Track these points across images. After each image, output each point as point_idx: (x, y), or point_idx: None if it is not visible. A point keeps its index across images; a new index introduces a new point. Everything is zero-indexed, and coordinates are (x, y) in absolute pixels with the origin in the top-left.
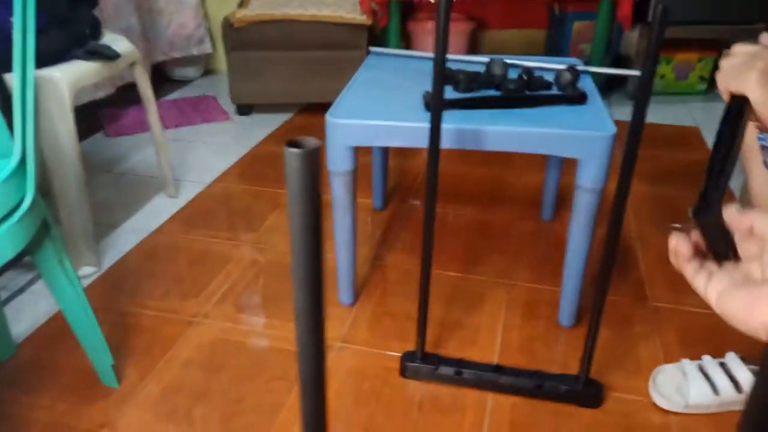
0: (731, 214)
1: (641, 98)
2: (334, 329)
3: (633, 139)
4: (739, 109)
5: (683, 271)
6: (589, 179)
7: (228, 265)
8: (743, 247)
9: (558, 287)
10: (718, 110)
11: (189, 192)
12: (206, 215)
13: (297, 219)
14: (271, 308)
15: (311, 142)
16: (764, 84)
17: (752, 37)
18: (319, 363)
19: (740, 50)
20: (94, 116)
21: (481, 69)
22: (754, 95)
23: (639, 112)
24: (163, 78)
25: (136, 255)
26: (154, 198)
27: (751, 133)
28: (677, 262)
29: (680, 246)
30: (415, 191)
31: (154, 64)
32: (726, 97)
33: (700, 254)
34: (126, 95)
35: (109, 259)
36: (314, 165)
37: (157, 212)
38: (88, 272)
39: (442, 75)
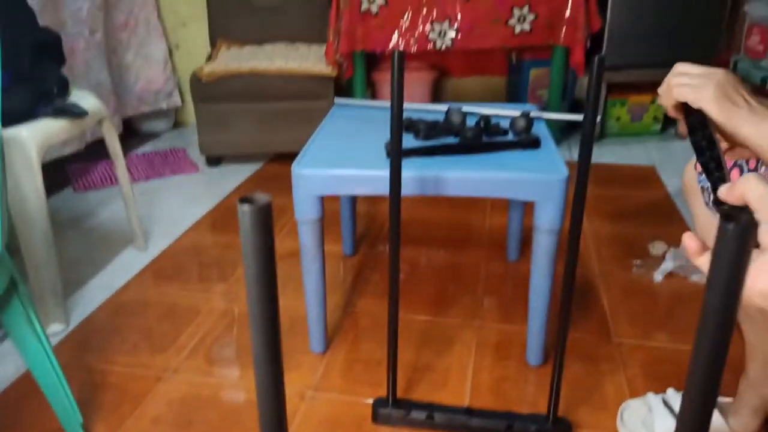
0: (722, 192)
1: (585, 142)
2: (305, 378)
3: (581, 180)
4: (701, 120)
5: (697, 266)
6: (546, 220)
7: (198, 317)
8: None
9: (525, 326)
10: (672, 149)
11: (159, 245)
12: (176, 267)
13: (252, 270)
14: (243, 360)
15: (262, 198)
16: (721, 99)
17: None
18: (280, 412)
19: (688, 69)
20: (62, 171)
21: (441, 117)
22: (713, 109)
23: (585, 155)
24: (132, 131)
25: (105, 311)
26: (124, 252)
27: (691, 175)
28: (690, 258)
29: (689, 243)
30: (384, 236)
31: (123, 119)
32: (671, 111)
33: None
34: (94, 149)
35: (78, 316)
36: (265, 219)
37: (126, 267)
38: (57, 330)
39: (400, 125)
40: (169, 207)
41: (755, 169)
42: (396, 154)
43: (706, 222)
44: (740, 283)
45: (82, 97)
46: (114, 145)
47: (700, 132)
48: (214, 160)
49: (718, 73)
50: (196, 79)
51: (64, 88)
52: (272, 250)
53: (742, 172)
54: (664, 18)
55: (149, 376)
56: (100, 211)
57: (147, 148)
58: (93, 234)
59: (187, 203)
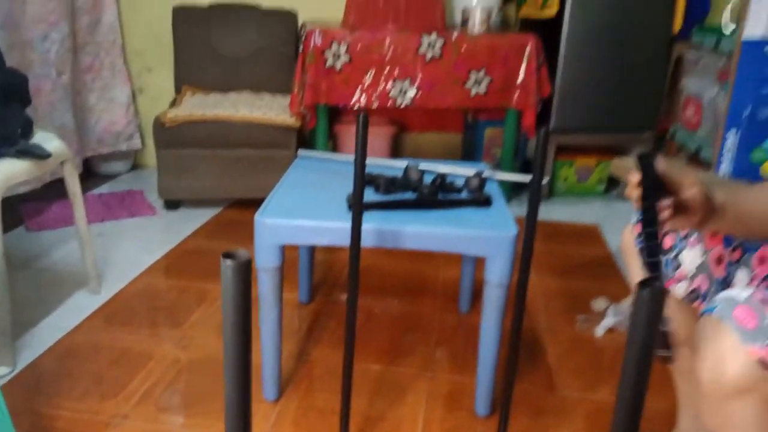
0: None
1: (532, 205)
2: (258, 426)
3: (528, 237)
4: (654, 196)
5: None
6: (496, 275)
7: (150, 362)
8: None
9: (475, 377)
10: (615, 210)
11: (112, 288)
12: (129, 312)
13: (230, 319)
14: (195, 407)
15: (243, 254)
16: None
17: (643, 144)
18: None
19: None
20: (14, 210)
21: (400, 173)
22: None
23: (531, 218)
24: (89, 172)
25: (54, 354)
26: (76, 294)
27: (629, 237)
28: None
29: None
30: (341, 285)
31: (82, 159)
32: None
33: None
34: (49, 189)
35: (26, 358)
36: (245, 273)
37: (78, 309)
38: (3, 372)
39: (363, 183)
40: (124, 250)
41: (687, 237)
42: (357, 210)
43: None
44: (654, 339)
45: (46, 139)
46: (74, 187)
47: (650, 204)
48: (172, 204)
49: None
50: (159, 124)
51: (27, 129)
52: (249, 301)
53: (675, 238)
54: (609, 87)
55: (98, 422)
56: (54, 252)
57: (103, 189)
58: (45, 275)
59: (143, 246)
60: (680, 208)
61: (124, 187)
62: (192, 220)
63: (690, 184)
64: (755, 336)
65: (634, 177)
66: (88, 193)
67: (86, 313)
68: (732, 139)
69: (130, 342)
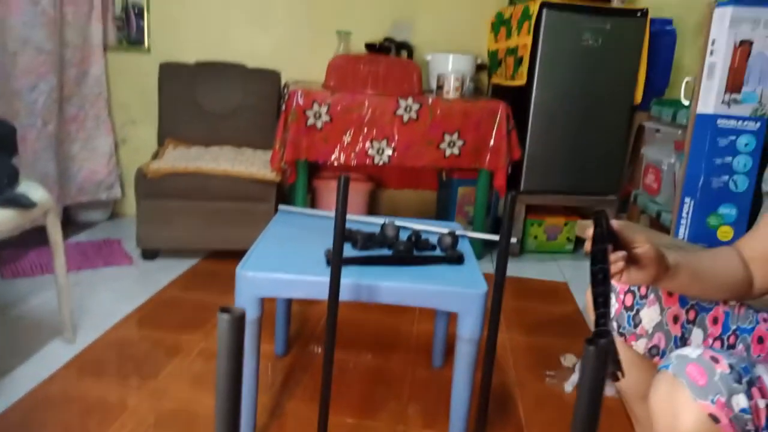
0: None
1: (500, 266)
2: None
3: (497, 295)
4: (603, 254)
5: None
6: (467, 330)
7: (123, 414)
8: None
9: None
10: (583, 268)
11: (87, 337)
12: (103, 362)
13: (223, 369)
14: None
15: (238, 310)
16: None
17: (608, 206)
18: None
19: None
20: None
21: (377, 229)
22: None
23: (500, 276)
24: (68, 220)
25: (27, 403)
26: (51, 343)
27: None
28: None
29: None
30: (317, 337)
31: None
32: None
33: None
34: (26, 235)
35: None
36: (239, 327)
37: (52, 358)
38: None
39: (342, 240)
40: (101, 299)
41: (645, 296)
42: (336, 265)
43: None
44: (601, 391)
45: (31, 188)
46: (55, 236)
47: (600, 265)
48: (150, 254)
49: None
50: (141, 175)
51: (13, 178)
52: (242, 353)
53: (634, 297)
54: (575, 152)
55: None
56: (30, 300)
57: (82, 237)
58: (20, 323)
59: (119, 296)
60: (633, 263)
61: (102, 235)
62: (169, 270)
63: (641, 241)
64: (706, 392)
65: (590, 231)
66: (66, 241)
67: (61, 363)
68: (689, 206)
69: (104, 393)
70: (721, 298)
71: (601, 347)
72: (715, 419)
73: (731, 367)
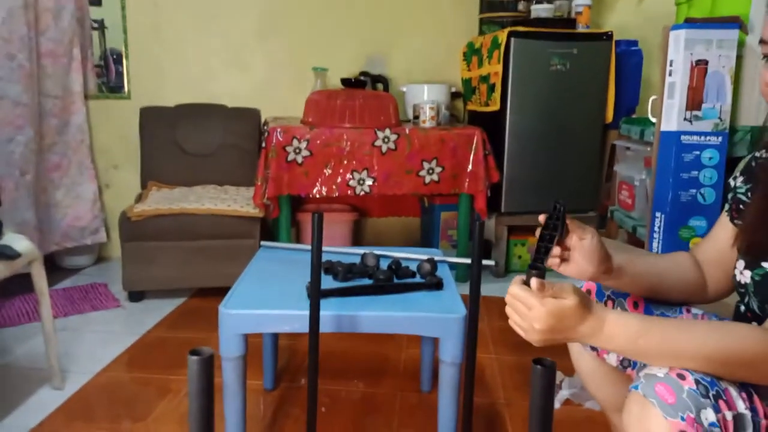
0: (533, 283)
1: (473, 289)
2: None
3: (472, 318)
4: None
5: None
6: (449, 354)
7: None
8: None
9: None
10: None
11: (75, 383)
12: (92, 407)
13: (195, 406)
14: None
15: (207, 350)
16: (547, 343)
17: (588, 223)
18: None
19: (518, 300)
20: None
21: (357, 260)
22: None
23: (474, 295)
24: (53, 266)
25: None
26: (38, 391)
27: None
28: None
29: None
30: (305, 370)
31: (45, 255)
32: None
33: None
34: (12, 284)
35: None
36: (208, 367)
37: (41, 406)
38: None
39: (319, 274)
40: (88, 344)
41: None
42: (315, 300)
43: (575, 352)
44: (550, 405)
45: (14, 239)
46: (41, 285)
47: (545, 243)
48: (136, 296)
49: (540, 319)
50: (125, 218)
51: None
52: (212, 392)
53: (614, 304)
54: (553, 172)
55: None
56: (16, 348)
57: (67, 283)
58: (7, 372)
59: (107, 339)
60: (579, 255)
61: (88, 280)
62: (156, 311)
63: (591, 234)
64: (675, 410)
65: (543, 216)
66: (52, 288)
67: (49, 410)
68: (660, 220)
69: None
70: (675, 298)
71: (549, 366)
72: None
73: (697, 382)
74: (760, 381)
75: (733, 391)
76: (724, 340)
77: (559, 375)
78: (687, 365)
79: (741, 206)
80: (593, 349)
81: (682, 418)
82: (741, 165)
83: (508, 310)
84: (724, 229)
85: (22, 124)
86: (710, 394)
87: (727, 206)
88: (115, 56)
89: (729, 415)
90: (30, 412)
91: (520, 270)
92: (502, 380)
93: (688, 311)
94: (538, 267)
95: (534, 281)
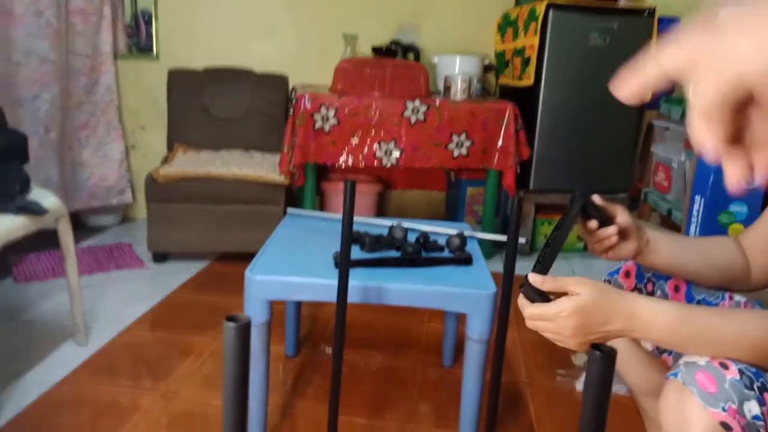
0: (532, 277)
1: (508, 264)
2: None
3: (505, 296)
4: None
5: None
6: (476, 331)
7: (135, 416)
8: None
9: (458, 431)
10: (594, 265)
11: (99, 340)
12: (116, 364)
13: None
14: None
15: (243, 317)
16: (585, 345)
17: (621, 202)
18: None
19: (538, 317)
20: (2, 260)
21: (385, 231)
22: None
23: (508, 276)
24: (78, 225)
25: (39, 407)
26: (62, 346)
27: None
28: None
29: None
30: (327, 338)
31: (69, 212)
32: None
33: None
34: (39, 240)
35: (10, 411)
36: (246, 335)
37: (64, 361)
38: None
39: (350, 243)
40: (112, 302)
41: (652, 292)
42: (344, 269)
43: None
44: (607, 395)
45: (42, 195)
46: (67, 242)
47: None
48: (160, 257)
49: (567, 327)
50: (151, 180)
51: (25, 186)
52: (247, 360)
53: (641, 293)
54: (584, 151)
55: None
56: (41, 304)
57: (92, 241)
58: (32, 326)
59: (131, 299)
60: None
61: (113, 239)
62: (180, 273)
63: (621, 211)
64: (717, 400)
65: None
66: (77, 245)
67: (72, 366)
68: (699, 204)
69: (116, 394)
70: (715, 282)
71: (609, 353)
72: (726, 427)
73: (741, 372)
74: None
75: None
76: None
77: (583, 356)
78: (730, 354)
79: None
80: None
81: (723, 409)
82: None
83: (534, 327)
84: None
85: (49, 81)
86: (755, 386)
87: None
88: (146, 17)
89: None
90: (53, 367)
91: None
92: (524, 358)
93: (731, 298)
94: (533, 277)
95: (532, 277)
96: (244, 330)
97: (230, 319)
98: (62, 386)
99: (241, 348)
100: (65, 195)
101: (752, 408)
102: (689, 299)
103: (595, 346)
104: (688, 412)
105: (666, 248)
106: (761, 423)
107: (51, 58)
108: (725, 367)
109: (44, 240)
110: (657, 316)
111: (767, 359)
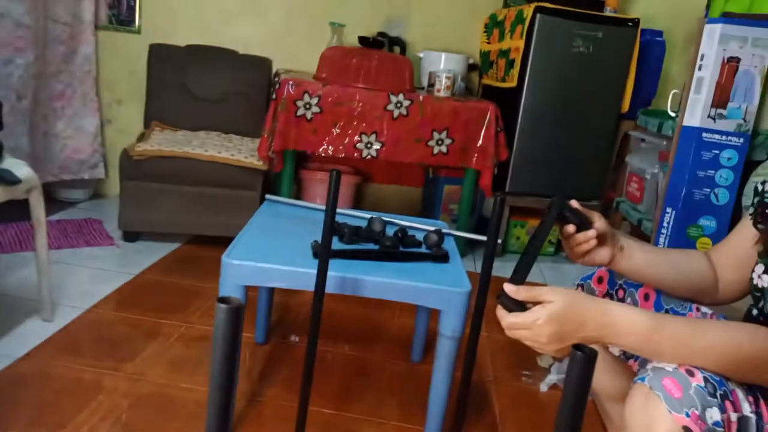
0: (507, 287)
1: (486, 267)
2: None
3: (481, 295)
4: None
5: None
6: (449, 328)
7: (99, 395)
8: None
9: (423, 427)
10: (563, 270)
11: (65, 317)
12: (81, 342)
13: (218, 359)
14: None
15: (235, 300)
16: (563, 351)
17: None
18: None
19: (516, 326)
20: None
21: (364, 223)
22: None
23: (485, 274)
24: (47, 197)
25: (1, 381)
26: (27, 321)
27: None
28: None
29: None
30: (297, 327)
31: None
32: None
33: None
34: (7, 211)
35: None
36: (237, 317)
37: (29, 336)
38: None
39: (331, 232)
40: (80, 279)
41: (622, 299)
42: (324, 258)
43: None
44: (584, 395)
45: (15, 165)
46: (39, 214)
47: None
48: (131, 236)
49: (543, 334)
50: (126, 157)
51: None
52: (238, 343)
53: (612, 299)
54: (561, 156)
55: None
56: (7, 276)
57: (62, 215)
58: None
59: (99, 276)
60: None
61: (83, 215)
62: (150, 254)
63: (598, 217)
64: (681, 405)
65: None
66: (47, 218)
67: (37, 341)
68: (670, 216)
69: (80, 372)
70: (684, 293)
71: (589, 354)
72: (688, 431)
73: (706, 380)
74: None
75: (740, 393)
76: (736, 338)
77: (549, 358)
78: (698, 362)
79: (767, 211)
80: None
81: (687, 414)
82: None
83: (513, 336)
84: (745, 234)
85: (23, 46)
86: (717, 394)
87: (752, 210)
88: None
89: (734, 417)
90: (18, 341)
91: (518, 251)
92: (492, 358)
93: (698, 309)
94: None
95: (507, 287)
96: (236, 312)
97: (222, 300)
98: (26, 361)
99: (233, 330)
100: (36, 165)
101: (713, 415)
102: (658, 308)
103: (577, 347)
104: (654, 415)
105: (639, 256)
106: (721, 430)
107: (26, 22)
108: (691, 374)
109: (14, 211)
110: (630, 325)
111: (732, 369)
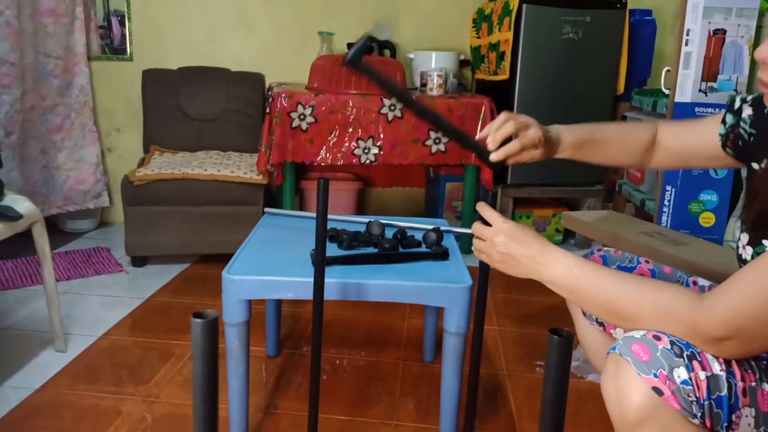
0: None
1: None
2: None
3: (481, 289)
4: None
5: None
6: (454, 325)
7: (116, 420)
8: None
9: (438, 426)
10: None
11: (78, 346)
12: (95, 369)
13: (199, 372)
14: None
15: (211, 313)
16: (503, 268)
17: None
18: None
19: (478, 234)
20: None
21: (363, 229)
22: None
23: (484, 268)
24: (55, 230)
25: (19, 413)
26: (41, 353)
27: None
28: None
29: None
30: (308, 337)
31: (46, 217)
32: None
33: None
34: (12, 247)
35: None
36: (213, 330)
37: (43, 368)
38: None
39: (324, 240)
40: (91, 307)
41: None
42: (320, 266)
43: (582, 327)
44: (566, 375)
45: (16, 200)
46: (43, 247)
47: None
48: (139, 261)
49: (496, 245)
50: (127, 182)
51: None
52: (216, 355)
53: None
54: None
55: None
56: (19, 311)
57: (69, 246)
58: (9, 334)
59: (109, 304)
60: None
61: (91, 244)
62: (159, 277)
63: (531, 123)
64: (649, 367)
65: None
66: (54, 251)
67: (52, 372)
68: (670, 193)
69: (96, 399)
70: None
71: (566, 338)
72: (658, 392)
73: (672, 343)
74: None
75: (709, 355)
76: (652, 294)
77: None
78: (602, 301)
79: (740, 142)
80: (600, 324)
81: (655, 375)
82: (752, 95)
83: (475, 241)
84: (705, 135)
85: (9, 83)
86: (684, 354)
87: (722, 128)
88: (119, 17)
89: (702, 375)
90: (33, 373)
91: None
92: (504, 351)
93: (695, 284)
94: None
95: (479, 203)
96: (212, 326)
97: (197, 315)
98: (42, 392)
99: (210, 344)
100: (36, 198)
101: (681, 374)
102: None
103: (553, 331)
104: (625, 380)
105: (571, 136)
106: (690, 387)
107: (11, 59)
108: (658, 338)
109: (20, 246)
110: (562, 255)
111: (670, 327)
